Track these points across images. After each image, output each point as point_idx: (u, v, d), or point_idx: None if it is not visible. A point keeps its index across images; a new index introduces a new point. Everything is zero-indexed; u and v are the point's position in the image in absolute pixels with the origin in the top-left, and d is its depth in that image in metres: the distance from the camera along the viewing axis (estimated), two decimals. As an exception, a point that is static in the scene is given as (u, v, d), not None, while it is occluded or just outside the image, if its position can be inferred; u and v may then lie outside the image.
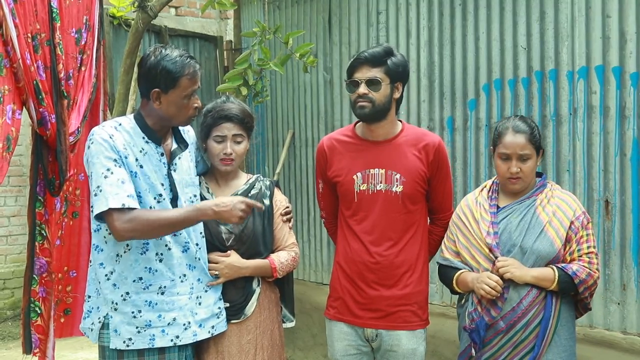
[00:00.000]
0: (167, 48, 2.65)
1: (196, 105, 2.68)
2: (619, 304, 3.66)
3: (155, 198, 2.64)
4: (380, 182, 2.95)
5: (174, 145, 2.76)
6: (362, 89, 2.87)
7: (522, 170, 2.78)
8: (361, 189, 2.96)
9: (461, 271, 2.87)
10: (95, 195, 2.52)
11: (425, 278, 3.04)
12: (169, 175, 2.70)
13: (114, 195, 2.48)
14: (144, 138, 2.66)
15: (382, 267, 2.93)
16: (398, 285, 2.94)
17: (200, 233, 2.81)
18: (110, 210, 2.48)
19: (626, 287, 3.63)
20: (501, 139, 2.81)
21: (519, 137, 2.77)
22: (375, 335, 2.96)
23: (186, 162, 2.80)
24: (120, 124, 2.66)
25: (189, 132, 2.88)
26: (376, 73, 2.87)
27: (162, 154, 2.69)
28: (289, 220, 3.03)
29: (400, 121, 3.07)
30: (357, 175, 2.97)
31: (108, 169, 2.53)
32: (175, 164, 2.74)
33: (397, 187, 2.93)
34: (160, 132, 2.71)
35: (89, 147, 2.60)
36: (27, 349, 3.27)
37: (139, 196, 2.59)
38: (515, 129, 2.79)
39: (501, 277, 2.70)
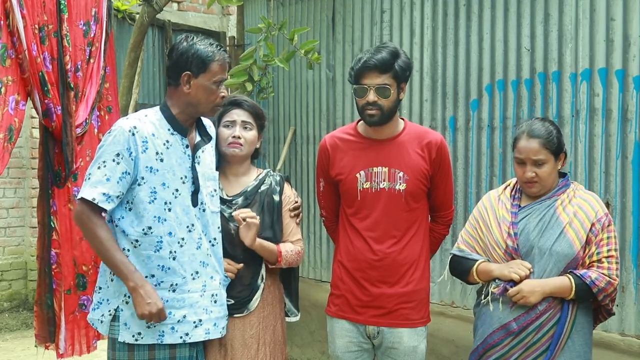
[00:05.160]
0: (197, 36, 2.71)
1: (223, 94, 2.72)
2: (617, 305, 3.67)
3: (172, 193, 2.66)
4: (384, 180, 2.95)
5: (198, 138, 2.78)
6: (372, 96, 2.84)
7: (537, 175, 2.73)
8: (364, 187, 2.97)
9: (482, 260, 2.84)
10: (85, 180, 2.62)
11: (427, 276, 3.06)
12: (193, 168, 2.72)
13: (93, 187, 2.55)
14: (169, 130, 2.69)
15: (385, 264, 2.94)
16: (400, 283, 2.95)
17: (218, 227, 2.82)
18: (83, 198, 2.57)
19: (625, 289, 3.64)
20: (516, 144, 2.78)
21: (533, 142, 2.73)
22: (377, 332, 2.97)
23: (209, 156, 2.83)
24: (146, 115, 2.70)
25: (211, 127, 2.89)
26: (385, 79, 2.84)
27: (186, 146, 2.72)
28: (297, 215, 3.04)
29: (402, 119, 3.08)
30: (360, 174, 2.97)
31: (104, 161, 2.58)
32: (199, 156, 2.76)
33: (400, 185, 2.94)
34: (186, 123, 2.73)
35: (108, 133, 2.66)
36: (50, 339, 3.26)
37: (154, 192, 2.62)
38: (530, 133, 2.75)
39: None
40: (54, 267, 3.17)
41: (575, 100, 3.82)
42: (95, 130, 3.36)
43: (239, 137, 2.89)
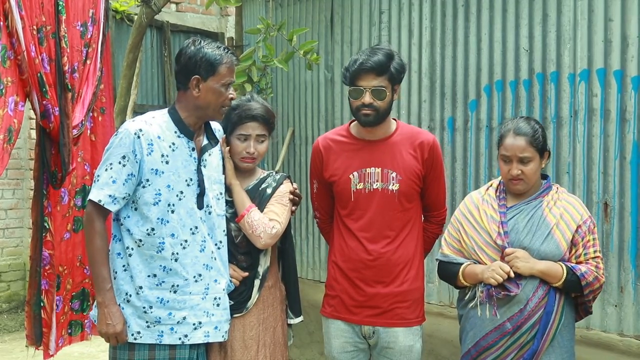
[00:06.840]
0: (204, 40, 2.72)
1: (232, 96, 2.73)
2: (616, 306, 3.67)
3: (177, 195, 2.67)
4: (377, 181, 2.96)
5: (205, 141, 2.79)
6: (368, 98, 2.86)
7: (523, 172, 2.77)
8: (358, 188, 2.97)
9: (467, 263, 2.85)
10: (93, 182, 2.68)
11: (422, 275, 3.06)
12: (199, 171, 2.72)
13: (100, 189, 2.61)
14: (176, 132, 2.70)
15: (379, 264, 2.94)
16: (395, 282, 2.96)
17: (223, 231, 2.82)
18: (91, 200, 2.64)
19: (624, 290, 3.64)
20: (502, 141, 2.83)
21: (519, 139, 2.77)
22: (372, 332, 2.98)
23: (216, 159, 2.83)
24: (153, 117, 2.71)
25: (219, 131, 2.90)
26: (381, 82, 2.86)
27: (193, 149, 2.73)
28: (294, 202, 2.98)
29: (395, 119, 3.08)
30: (353, 175, 2.98)
31: (111, 164, 2.62)
32: (205, 159, 2.77)
33: (393, 185, 2.95)
34: (194, 126, 2.74)
35: (115, 135, 2.69)
36: (37, 341, 3.27)
37: (158, 194, 2.64)
38: (516, 131, 2.79)
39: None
40: (46, 267, 3.17)
41: (573, 101, 3.82)
42: (89, 131, 3.36)
43: (254, 153, 2.90)
